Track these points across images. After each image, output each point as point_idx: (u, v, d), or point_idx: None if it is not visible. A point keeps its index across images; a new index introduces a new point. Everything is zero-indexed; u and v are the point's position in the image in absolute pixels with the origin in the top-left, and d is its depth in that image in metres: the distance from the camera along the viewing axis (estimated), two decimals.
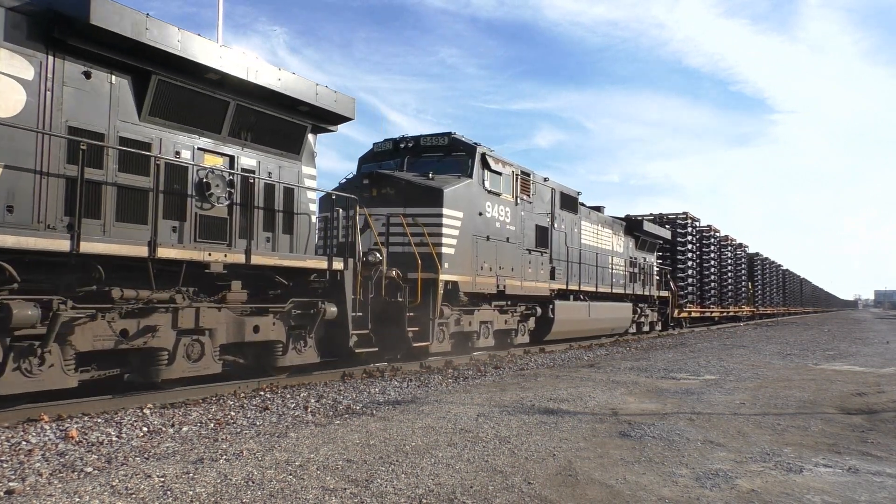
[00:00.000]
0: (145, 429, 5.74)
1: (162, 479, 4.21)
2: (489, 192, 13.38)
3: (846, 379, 10.31)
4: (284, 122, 8.99)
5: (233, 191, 8.24)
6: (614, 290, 20.59)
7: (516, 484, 4.32)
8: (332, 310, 9.19)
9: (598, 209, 21.23)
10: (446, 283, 11.64)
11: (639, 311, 23.07)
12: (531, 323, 15.49)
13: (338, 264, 9.32)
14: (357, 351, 9.69)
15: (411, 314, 10.81)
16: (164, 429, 5.78)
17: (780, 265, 62.83)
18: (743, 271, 43.02)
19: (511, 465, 4.79)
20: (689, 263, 31.16)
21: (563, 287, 16.77)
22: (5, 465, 4.52)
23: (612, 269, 20.61)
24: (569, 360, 13.05)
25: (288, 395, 7.73)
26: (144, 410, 6.52)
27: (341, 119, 9.75)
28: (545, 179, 16.25)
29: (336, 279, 9.46)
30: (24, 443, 5.14)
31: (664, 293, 26.19)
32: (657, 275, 25.77)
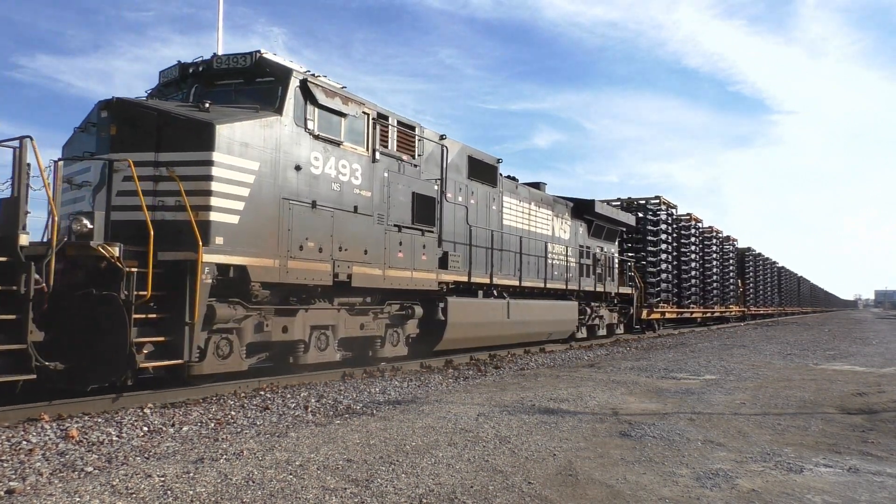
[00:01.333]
0: (146, 428, 5.75)
1: (162, 479, 4.21)
2: (318, 137, 9.21)
3: (846, 379, 10.31)
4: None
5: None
6: (550, 286, 16.14)
7: (516, 484, 4.32)
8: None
9: (537, 186, 17.45)
10: (220, 267, 7.73)
11: (590, 311, 18.67)
12: (411, 327, 11.27)
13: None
14: None
15: (145, 315, 7.06)
16: (164, 428, 5.78)
17: (774, 262, 58.08)
18: (731, 268, 38.71)
19: (511, 464, 4.79)
20: (664, 256, 26.18)
21: (463, 279, 12.40)
22: (6, 465, 4.52)
23: (551, 259, 16.48)
24: (569, 360, 13.05)
25: (288, 395, 7.74)
26: (145, 410, 6.52)
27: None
28: (441, 137, 12.28)
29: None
30: (24, 442, 5.15)
31: (627, 290, 21.58)
32: (619, 268, 22.03)
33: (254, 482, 4.20)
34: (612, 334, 20.89)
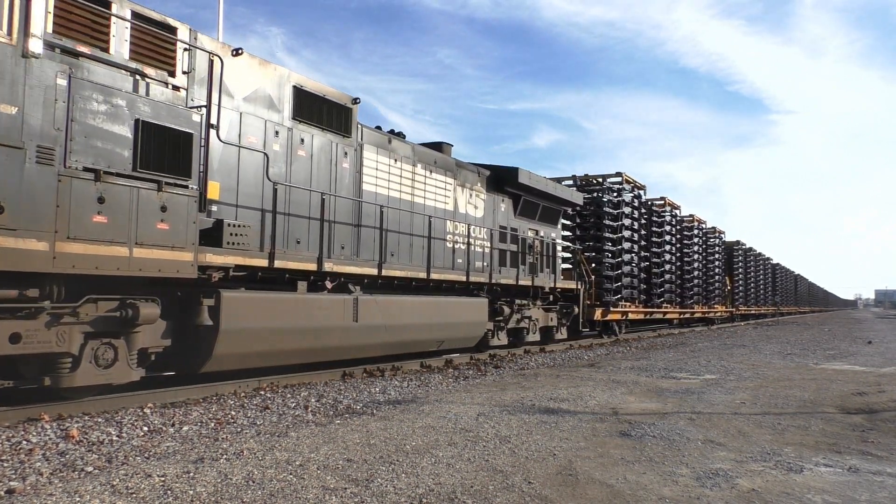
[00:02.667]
0: (146, 428, 5.75)
1: (162, 479, 4.21)
2: None
3: (846, 378, 10.31)
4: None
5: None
6: (442, 276, 11.63)
7: (517, 483, 4.32)
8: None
9: (438, 147, 13.32)
10: None
11: (510, 310, 13.99)
12: (145, 338, 7.00)
13: None
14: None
15: None
16: (164, 428, 5.78)
17: (768, 258, 52.77)
18: (717, 263, 34.20)
19: (511, 464, 4.79)
20: (627, 246, 21.38)
21: (259, 263, 8.23)
22: (6, 465, 4.52)
23: (451, 242, 12.46)
24: (569, 360, 13.06)
25: (288, 395, 7.74)
26: (145, 410, 6.52)
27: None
28: (236, 52, 8.31)
29: None
30: (24, 442, 5.15)
31: (569, 284, 17.05)
32: (563, 259, 18.32)
33: (254, 482, 4.21)
34: (552, 340, 16.42)
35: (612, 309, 20.07)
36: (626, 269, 21.37)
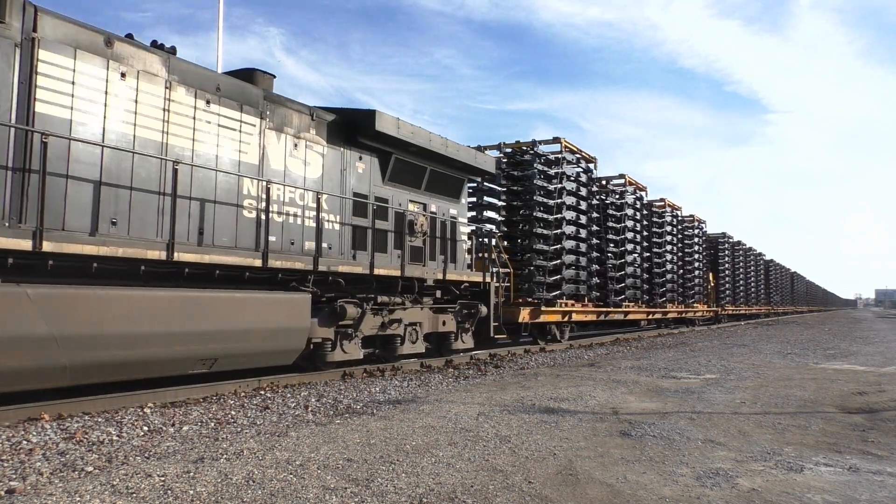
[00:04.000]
0: (146, 428, 5.75)
1: (163, 479, 4.21)
2: None
3: (847, 378, 10.31)
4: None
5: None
6: (189, 257, 7.59)
7: (517, 483, 4.32)
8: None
9: (249, 77, 9.43)
10: None
11: (359, 311, 9.93)
12: None
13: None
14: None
15: None
16: (164, 428, 5.78)
17: (760, 253, 48.47)
18: (697, 257, 30.00)
19: (512, 464, 4.79)
20: (570, 231, 17.34)
21: None
22: (6, 465, 4.52)
23: (253, 209, 8.78)
24: (569, 360, 13.05)
25: (288, 395, 7.74)
26: (145, 409, 6.53)
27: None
28: None
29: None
30: (24, 442, 5.15)
31: (475, 277, 12.80)
32: (473, 244, 13.62)
33: (254, 482, 4.21)
34: (450, 350, 12.42)
35: (545, 308, 15.82)
36: (570, 259, 17.20)
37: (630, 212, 22.21)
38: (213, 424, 6.01)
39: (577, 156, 18.42)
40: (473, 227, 14.62)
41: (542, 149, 17.38)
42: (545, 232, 16.41)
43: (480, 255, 14.15)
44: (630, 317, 22.15)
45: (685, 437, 5.79)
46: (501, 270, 14.42)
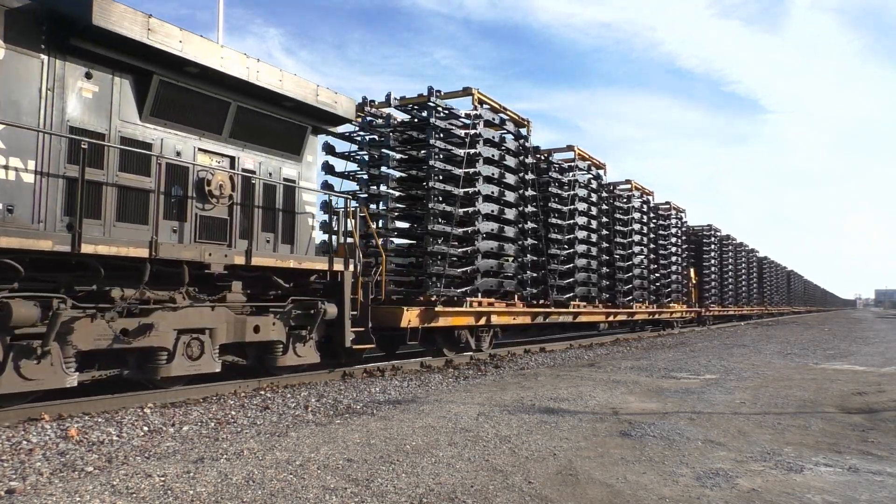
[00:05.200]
0: (146, 428, 5.75)
1: (163, 479, 4.21)
2: None
3: (847, 378, 10.31)
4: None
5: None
6: None
7: (517, 483, 4.32)
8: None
9: None
10: None
11: (53, 312, 6.08)
12: None
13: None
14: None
15: None
16: (164, 428, 5.78)
17: (752, 250, 44.63)
18: (675, 250, 26.07)
19: (512, 464, 4.79)
20: (486, 209, 13.21)
21: None
22: (6, 465, 4.52)
23: None
24: (569, 360, 13.06)
25: (288, 395, 7.74)
26: (145, 410, 6.52)
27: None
28: None
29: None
30: (24, 442, 5.15)
31: (316, 263, 9.18)
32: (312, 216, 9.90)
33: (254, 482, 4.21)
34: (277, 368, 8.81)
35: (444, 309, 11.71)
36: (486, 246, 13.11)
37: (584, 193, 17.61)
38: (213, 424, 6.01)
39: (507, 117, 14.47)
40: (328, 198, 11.36)
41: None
42: (445, 209, 12.45)
43: (351, 236, 10.33)
44: (583, 318, 17.67)
45: (685, 437, 5.79)
46: (380, 258, 10.84)
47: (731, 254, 36.85)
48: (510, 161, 14.22)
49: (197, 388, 7.73)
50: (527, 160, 14.88)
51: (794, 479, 4.54)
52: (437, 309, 11.54)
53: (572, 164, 17.57)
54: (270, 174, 8.98)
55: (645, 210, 22.97)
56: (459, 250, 12.65)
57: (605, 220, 19.54)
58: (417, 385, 8.91)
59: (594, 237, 18.38)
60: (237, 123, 8.40)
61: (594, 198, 18.60)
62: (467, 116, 13.09)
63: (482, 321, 13.05)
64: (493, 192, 13.55)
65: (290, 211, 9.22)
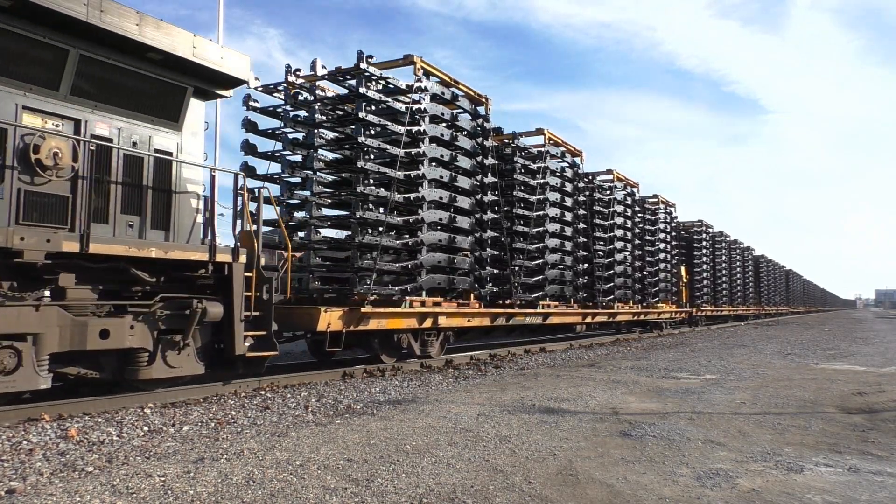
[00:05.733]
0: (146, 428, 5.75)
1: (163, 479, 4.21)
2: None
3: (847, 378, 10.31)
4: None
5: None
6: None
7: (517, 483, 4.32)
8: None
9: None
10: None
11: None
12: None
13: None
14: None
15: None
16: (164, 428, 5.79)
17: (748, 247, 42.38)
18: (664, 247, 24.49)
19: (512, 464, 4.79)
20: (432, 195, 11.54)
21: None
22: (6, 465, 4.53)
23: None
24: (569, 360, 13.06)
25: (289, 395, 7.74)
26: (145, 410, 6.53)
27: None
28: None
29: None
30: (25, 442, 5.15)
31: (191, 253, 7.40)
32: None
33: (254, 482, 4.21)
34: (143, 382, 7.20)
35: (380, 310, 10.11)
36: (433, 238, 11.42)
37: (556, 181, 15.85)
38: (213, 424, 6.01)
39: (431, 71, 12.17)
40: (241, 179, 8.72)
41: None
42: (374, 197, 10.76)
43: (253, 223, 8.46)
44: (554, 320, 15.78)
45: (685, 437, 5.79)
46: (287, 251, 9.22)
47: (724, 251, 35.16)
48: (464, 142, 12.43)
49: (197, 387, 7.74)
50: (486, 143, 13.18)
51: (795, 480, 4.54)
52: (364, 310, 9.75)
53: (542, 149, 15.57)
54: (135, 143, 7.27)
55: (629, 203, 21.28)
56: (398, 242, 11.06)
57: (582, 212, 17.64)
58: (417, 385, 8.91)
59: (568, 230, 16.53)
60: (82, 77, 6.72)
61: (569, 187, 16.69)
62: (410, 89, 11.14)
63: (428, 323, 11.25)
64: (442, 177, 11.77)
65: (165, 189, 7.53)
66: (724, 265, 34.80)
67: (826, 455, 5.27)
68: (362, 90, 10.28)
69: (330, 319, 9.40)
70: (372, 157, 11.00)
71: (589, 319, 18.04)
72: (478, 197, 12.96)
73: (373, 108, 10.90)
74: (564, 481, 4.40)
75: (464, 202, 12.34)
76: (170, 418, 6.18)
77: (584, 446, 5.40)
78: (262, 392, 7.95)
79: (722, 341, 20.32)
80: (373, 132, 11.11)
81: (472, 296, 12.63)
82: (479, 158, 13.02)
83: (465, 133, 12.60)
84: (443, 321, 11.58)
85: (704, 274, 31.23)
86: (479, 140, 13.06)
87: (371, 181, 11.08)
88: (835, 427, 6.42)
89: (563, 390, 8.47)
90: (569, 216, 16.70)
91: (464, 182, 12.37)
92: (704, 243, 31.78)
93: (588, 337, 19.81)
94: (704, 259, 31.51)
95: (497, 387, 8.82)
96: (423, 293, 11.24)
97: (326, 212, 11.91)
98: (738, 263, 38.50)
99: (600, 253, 18.97)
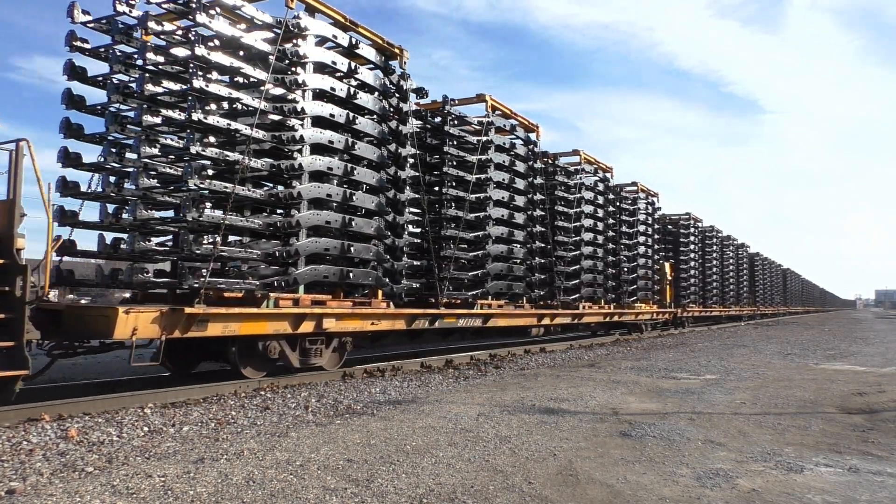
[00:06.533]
0: (146, 428, 5.75)
1: (163, 479, 4.21)
2: None
3: (847, 378, 10.31)
4: None
5: None
6: None
7: (517, 483, 4.32)
8: None
9: None
10: None
11: None
12: None
13: None
14: None
15: None
16: (164, 428, 5.79)
17: (743, 244, 40.04)
18: (644, 240, 22.09)
19: (512, 464, 4.79)
20: (327, 163, 9.18)
21: None
22: (6, 465, 4.53)
23: None
24: (569, 360, 13.05)
25: (289, 395, 7.74)
26: (145, 410, 6.53)
27: None
28: None
29: None
30: (25, 442, 5.15)
31: None
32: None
33: (254, 482, 4.21)
34: None
35: (224, 311, 7.72)
36: (318, 219, 9.06)
37: (499, 157, 13.38)
38: (213, 425, 6.01)
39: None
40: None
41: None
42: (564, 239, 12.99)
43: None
44: (499, 322, 13.25)
45: (685, 437, 5.79)
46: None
47: (715, 248, 32.35)
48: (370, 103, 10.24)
49: (197, 388, 7.74)
50: (377, 89, 10.38)
51: (795, 480, 4.54)
52: (192, 310, 7.23)
53: (486, 119, 13.27)
54: None
55: (601, 189, 18.76)
56: (257, 221, 8.40)
57: (540, 197, 15.15)
58: (418, 385, 8.91)
59: (520, 217, 14.02)
60: None
61: (521, 167, 14.16)
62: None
63: (307, 327, 8.77)
64: (321, 138, 9.12)
65: None
66: (714, 262, 32.21)
67: (826, 455, 5.27)
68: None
69: (137, 323, 6.83)
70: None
71: (547, 321, 15.34)
72: (391, 171, 10.67)
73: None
74: (564, 481, 4.40)
75: (365, 175, 9.94)
76: (170, 418, 6.18)
77: (584, 446, 5.40)
78: (262, 392, 7.95)
79: (722, 341, 20.32)
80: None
81: (379, 293, 10.30)
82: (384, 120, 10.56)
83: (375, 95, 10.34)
84: (330, 325, 9.09)
85: (692, 272, 28.76)
86: (379, 86, 10.38)
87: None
88: (835, 427, 6.42)
89: (563, 390, 8.47)
90: (520, 200, 14.09)
91: (366, 150, 10.02)
92: (693, 238, 29.16)
93: (587, 337, 19.79)
94: (692, 255, 28.89)
95: (497, 387, 8.82)
96: (301, 289, 8.84)
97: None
98: (731, 261, 35.95)
99: (564, 245, 16.45)
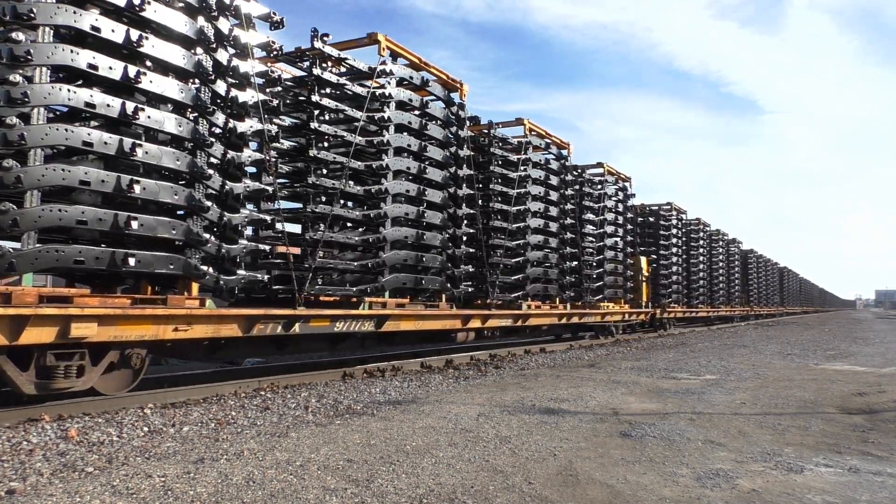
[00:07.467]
0: (146, 428, 5.75)
1: (163, 479, 4.21)
2: None
3: (847, 379, 10.31)
4: None
5: None
6: None
7: (517, 484, 4.32)
8: None
9: None
10: None
11: None
12: None
13: None
14: None
15: None
16: (164, 429, 5.78)
17: (734, 240, 36.91)
18: (613, 230, 19.29)
19: (512, 464, 4.79)
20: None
21: None
22: (6, 465, 4.52)
23: None
24: (569, 360, 13.06)
25: (289, 395, 7.74)
26: (145, 410, 6.53)
27: None
28: None
29: None
30: (24, 442, 5.15)
31: None
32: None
33: (254, 482, 4.21)
34: None
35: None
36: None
37: (405, 117, 10.61)
38: (213, 425, 6.01)
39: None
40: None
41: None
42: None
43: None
44: (401, 325, 10.19)
45: (685, 437, 5.79)
46: None
47: (702, 242, 29.22)
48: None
49: (197, 388, 7.74)
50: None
51: (795, 480, 4.54)
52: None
53: (381, 66, 10.09)
54: None
55: (554, 169, 15.47)
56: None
57: (467, 172, 12.22)
58: (418, 385, 8.91)
59: (435, 196, 11.05)
60: None
61: (436, 132, 11.27)
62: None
63: (46, 336, 5.77)
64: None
65: None
66: (702, 258, 29.10)
67: (826, 455, 5.27)
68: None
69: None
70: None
71: (476, 324, 12.26)
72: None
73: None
74: (564, 482, 4.40)
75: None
76: (170, 419, 6.18)
77: (584, 447, 5.40)
78: (262, 392, 7.95)
79: (722, 342, 20.32)
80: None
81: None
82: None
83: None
84: (84, 331, 5.93)
85: (674, 268, 25.29)
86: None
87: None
88: (835, 427, 6.42)
89: (563, 391, 8.47)
90: (436, 175, 11.11)
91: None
92: (675, 231, 25.72)
93: (585, 338, 19.77)
94: (675, 250, 25.50)
95: (497, 387, 8.82)
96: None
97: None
98: (720, 258, 32.81)
99: (504, 233, 13.56)
